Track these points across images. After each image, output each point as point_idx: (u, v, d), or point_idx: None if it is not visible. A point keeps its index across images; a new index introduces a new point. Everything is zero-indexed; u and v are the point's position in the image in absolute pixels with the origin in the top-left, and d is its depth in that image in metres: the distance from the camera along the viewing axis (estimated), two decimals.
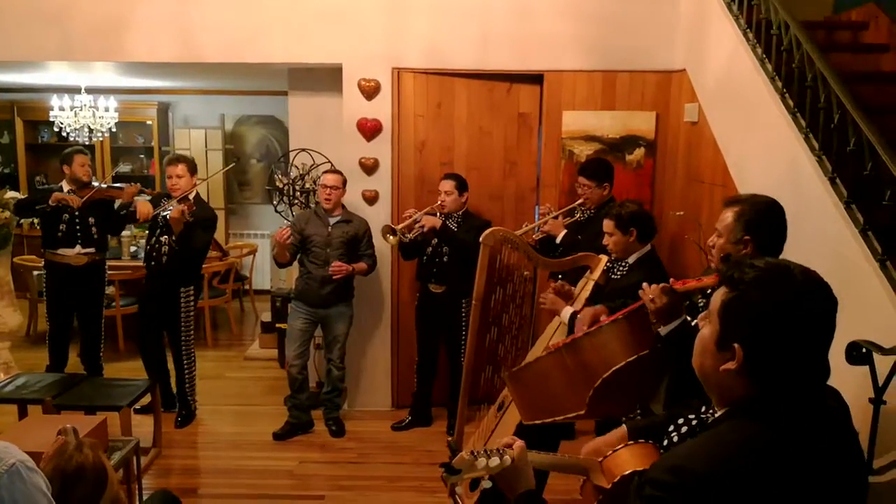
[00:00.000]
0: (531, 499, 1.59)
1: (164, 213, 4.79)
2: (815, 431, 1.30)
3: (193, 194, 4.88)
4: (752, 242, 2.41)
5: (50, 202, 4.96)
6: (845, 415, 1.39)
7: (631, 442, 1.83)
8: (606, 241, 3.45)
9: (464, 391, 3.57)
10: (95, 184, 5.30)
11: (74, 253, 5.10)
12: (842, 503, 1.30)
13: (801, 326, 1.26)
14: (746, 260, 1.35)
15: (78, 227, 5.10)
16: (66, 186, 5.16)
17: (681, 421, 1.53)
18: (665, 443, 1.55)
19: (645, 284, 2.27)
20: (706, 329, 1.36)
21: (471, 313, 3.54)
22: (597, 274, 3.57)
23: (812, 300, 1.28)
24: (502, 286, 3.99)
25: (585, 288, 3.58)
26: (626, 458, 1.76)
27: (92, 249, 5.17)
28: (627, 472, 1.71)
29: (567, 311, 3.29)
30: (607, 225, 3.44)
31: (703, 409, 1.57)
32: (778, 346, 1.26)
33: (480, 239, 3.47)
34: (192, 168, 4.92)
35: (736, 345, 1.28)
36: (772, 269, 1.31)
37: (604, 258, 3.61)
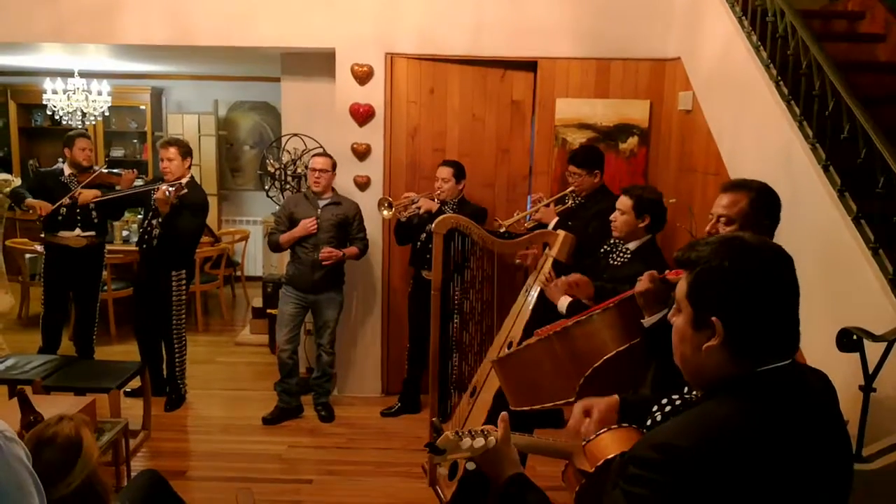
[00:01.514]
0: (520, 482, 1.57)
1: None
2: (799, 408, 1.29)
3: (187, 178, 4.85)
4: (768, 227, 2.41)
5: (23, 206, 5.06)
6: (830, 394, 1.38)
7: (614, 426, 1.81)
8: (614, 216, 3.34)
9: (433, 378, 3.58)
10: (96, 168, 5.28)
11: (74, 235, 5.11)
12: (828, 478, 1.30)
13: (767, 282, 1.29)
14: (699, 242, 1.37)
15: (78, 211, 5.09)
16: (66, 170, 5.16)
17: (664, 401, 1.52)
18: (649, 423, 1.54)
19: (641, 278, 2.25)
20: (679, 319, 1.37)
21: (430, 302, 3.55)
22: (555, 250, 3.57)
23: (770, 258, 1.32)
24: (460, 273, 3.99)
25: (546, 264, 3.57)
26: (609, 441, 1.75)
27: (92, 233, 5.17)
28: (611, 456, 1.70)
29: (564, 301, 3.25)
30: (623, 202, 3.31)
31: (687, 389, 1.56)
32: (752, 305, 1.28)
33: (432, 228, 3.47)
34: (185, 151, 4.87)
35: (713, 318, 1.29)
36: (724, 240, 1.35)
37: (562, 234, 3.61)
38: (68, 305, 5.37)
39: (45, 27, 4.95)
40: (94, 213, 5.15)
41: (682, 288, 1.36)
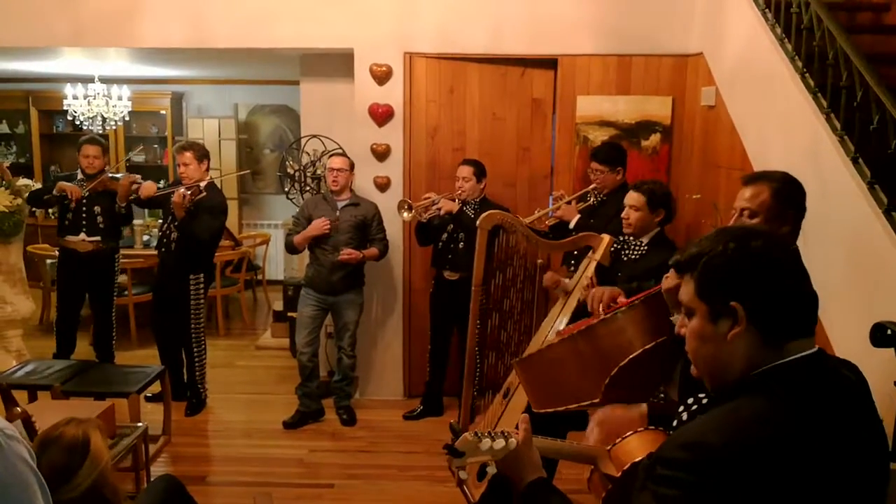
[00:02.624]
0: (542, 486, 1.52)
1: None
2: (833, 400, 1.24)
3: (206, 182, 4.83)
4: (793, 217, 2.34)
5: (54, 192, 5.01)
6: (864, 386, 1.32)
7: (641, 429, 1.76)
8: (627, 214, 3.37)
9: (467, 377, 3.51)
10: (107, 171, 5.28)
11: (79, 240, 5.12)
12: (865, 474, 1.24)
13: (774, 255, 1.28)
14: (690, 243, 1.37)
15: (84, 215, 5.10)
16: (79, 175, 5.19)
17: (690, 401, 1.46)
18: (675, 423, 1.48)
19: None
20: (693, 322, 1.34)
21: (471, 299, 3.49)
22: (599, 254, 3.50)
23: (768, 235, 1.34)
24: (502, 270, 3.93)
25: (588, 268, 3.51)
26: (636, 445, 1.69)
27: (97, 238, 5.14)
28: (638, 459, 1.64)
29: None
30: (636, 199, 3.36)
31: None
32: (765, 279, 1.27)
33: (477, 223, 3.41)
34: (201, 155, 4.84)
35: (732, 304, 1.26)
36: (718, 230, 1.36)
37: (606, 238, 3.55)
38: (79, 309, 5.36)
39: (65, 31, 4.97)
40: (99, 219, 5.13)
41: (688, 291, 1.34)
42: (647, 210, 3.35)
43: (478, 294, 3.42)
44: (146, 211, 7.63)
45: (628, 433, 1.67)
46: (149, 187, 4.95)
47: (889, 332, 2.25)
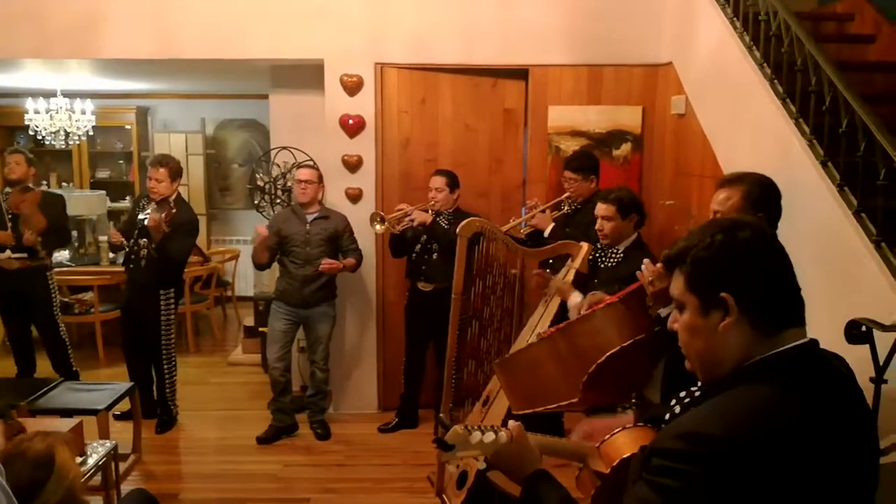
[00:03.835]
0: (542, 478, 1.50)
1: (143, 217, 4.66)
2: (829, 389, 1.25)
3: (174, 196, 4.74)
4: (764, 219, 2.37)
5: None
6: (854, 378, 1.33)
7: (629, 425, 1.74)
8: (601, 226, 3.40)
9: (446, 385, 3.49)
10: (34, 188, 5.13)
11: (5, 257, 4.90)
12: (860, 462, 1.25)
13: (761, 245, 1.29)
14: (679, 238, 1.37)
15: (11, 231, 4.90)
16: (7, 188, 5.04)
17: (683, 394, 1.45)
18: (667, 417, 1.47)
19: (646, 262, 2.18)
20: (683, 316, 1.34)
21: (451, 307, 3.47)
22: (578, 262, 3.52)
23: (752, 224, 1.33)
24: (482, 279, 3.93)
25: (567, 276, 3.52)
26: (625, 441, 1.67)
27: (24, 255, 4.93)
28: (627, 455, 1.62)
29: (576, 297, 3.22)
30: (606, 209, 3.40)
31: None
32: (755, 268, 1.28)
33: (457, 230, 3.41)
34: (175, 173, 4.72)
35: (722, 295, 1.26)
36: (704, 224, 1.38)
37: (585, 246, 3.56)
38: (27, 327, 5.18)
39: (28, 44, 4.87)
40: (28, 232, 4.89)
41: (678, 285, 1.34)
42: (619, 218, 3.39)
43: (458, 302, 3.40)
44: (111, 225, 7.52)
45: (617, 430, 1.65)
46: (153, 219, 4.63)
47: (863, 328, 2.28)
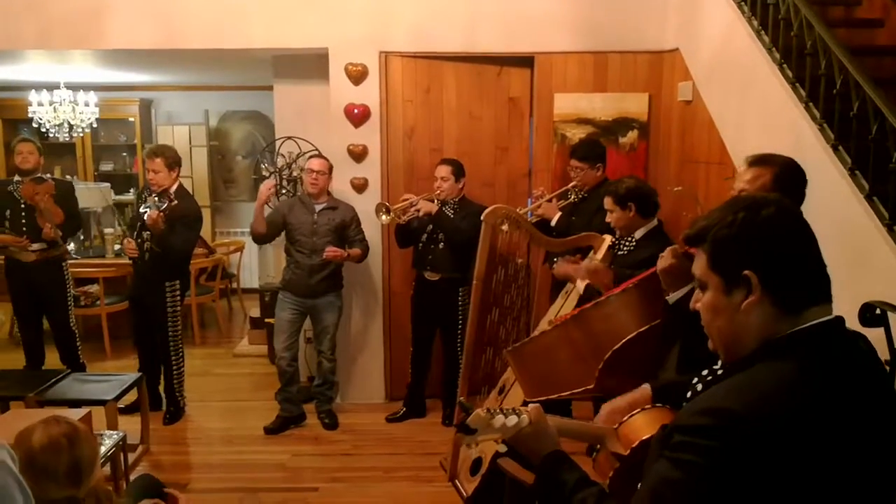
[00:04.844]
0: (559, 459, 1.49)
1: (144, 210, 4.64)
2: (856, 366, 1.23)
3: (175, 187, 4.72)
4: None
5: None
6: (878, 358, 1.31)
7: (648, 406, 1.73)
8: (608, 218, 3.40)
9: (464, 371, 3.47)
10: (46, 176, 5.10)
11: (20, 248, 4.90)
12: (883, 444, 1.22)
13: (786, 221, 1.27)
14: (700, 217, 1.35)
15: (24, 222, 4.91)
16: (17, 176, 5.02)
17: (705, 372, 1.44)
18: (689, 395, 1.46)
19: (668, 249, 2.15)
20: (706, 295, 1.32)
21: (472, 293, 3.46)
22: (601, 254, 3.50)
23: (778, 200, 1.30)
24: (504, 266, 3.91)
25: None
26: (643, 423, 1.66)
27: (43, 245, 4.94)
28: (645, 437, 1.61)
29: (583, 283, 3.21)
30: (607, 202, 3.42)
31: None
32: (779, 246, 1.25)
33: (482, 216, 3.38)
34: (172, 162, 4.68)
35: (745, 273, 1.24)
36: (728, 201, 1.34)
37: (608, 238, 3.54)
38: (39, 319, 5.18)
39: (31, 34, 4.85)
40: (48, 226, 4.88)
41: (701, 263, 1.32)
42: (619, 209, 3.36)
43: (479, 289, 3.38)
44: (117, 220, 7.52)
45: (635, 411, 1.64)
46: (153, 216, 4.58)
47: (878, 311, 2.26)
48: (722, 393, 1.21)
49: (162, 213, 4.50)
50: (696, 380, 1.46)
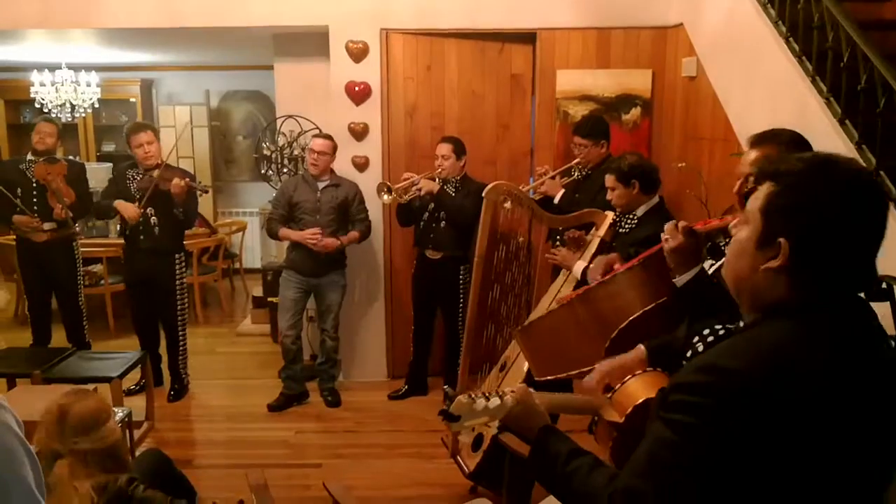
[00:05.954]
0: (549, 432, 1.48)
1: (138, 187, 4.68)
2: (867, 339, 1.18)
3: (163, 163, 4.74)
4: None
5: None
6: (884, 333, 1.28)
7: (640, 371, 1.72)
8: (610, 195, 3.37)
9: (465, 349, 3.47)
10: (59, 157, 5.13)
11: (33, 228, 4.93)
12: (885, 420, 1.17)
13: (849, 218, 1.16)
14: (790, 156, 1.24)
15: (35, 202, 4.92)
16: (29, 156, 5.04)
17: (706, 332, 1.42)
18: (689, 354, 1.43)
19: (668, 225, 2.10)
20: (743, 231, 1.25)
21: (473, 270, 3.45)
22: (602, 230, 3.48)
23: (862, 192, 1.18)
24: (505, 243, 3.89)
25: (591, 244, 3.49)
26: (637, 387, 1.65)
27: (53, 224, 4.96)
28: (640, 401, 1.60)
29: (579, 266, 3.20)
30: (609, 179, 3.37)
31: (731, 320, 1.45)
32: (826, 237, 1.16)
33: (483, 193, 3.36)
34: (158, 134, 4.81)
35: (781, 239, 1.17)
36: (820, 160, 1.21)
37: (610, 214, 3.52)
38: (48, 298, 5.20)
39: (31, 13, 4.82)
40: (59, 206, 4.90)
41: (757, 199, 1.23)
42: (622, 187, 3.32)
43: (480, 266, 3.37)
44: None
45: (627, 377, 1.63)
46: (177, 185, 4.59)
47: (885, 285, 2.24)
48: (720, 350, 1.18)
49: (188, 181, 4.57)
50: (696, 339, 1.44)
